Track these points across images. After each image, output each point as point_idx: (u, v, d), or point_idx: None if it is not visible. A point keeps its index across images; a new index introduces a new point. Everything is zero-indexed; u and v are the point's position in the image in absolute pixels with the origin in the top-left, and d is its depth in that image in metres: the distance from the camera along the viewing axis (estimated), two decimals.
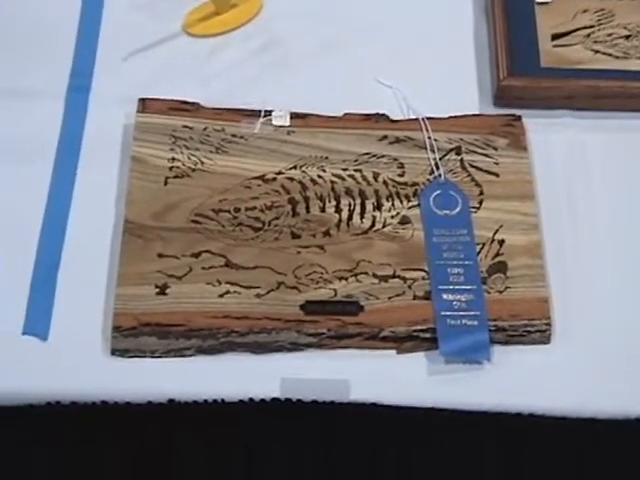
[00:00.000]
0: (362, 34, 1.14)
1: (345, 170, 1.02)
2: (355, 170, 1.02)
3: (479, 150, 1.03)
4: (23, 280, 0.96)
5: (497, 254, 0.97)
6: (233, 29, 1.15)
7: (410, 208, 1.00)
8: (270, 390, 0.91)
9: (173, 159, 1.01)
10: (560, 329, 0.95)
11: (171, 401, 0.91)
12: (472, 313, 0.93)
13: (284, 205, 0.99)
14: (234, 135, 1.03)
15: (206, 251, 0.96)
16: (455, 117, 1.06)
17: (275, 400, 0.91)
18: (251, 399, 0.91)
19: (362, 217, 0.99)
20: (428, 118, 1.05)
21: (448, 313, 0.93)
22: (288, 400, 0.91)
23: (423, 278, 0.95)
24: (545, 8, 1.14)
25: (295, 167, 1.02)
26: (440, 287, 0.94)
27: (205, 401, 0.91)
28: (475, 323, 0.92)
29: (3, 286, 0.96)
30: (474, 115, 1.07)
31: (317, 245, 0.97)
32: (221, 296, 0.94)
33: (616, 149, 1.07)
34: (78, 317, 0.94)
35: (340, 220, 0.99)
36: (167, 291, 0.94)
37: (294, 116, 1.05)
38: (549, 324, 0.93)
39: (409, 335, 0.93)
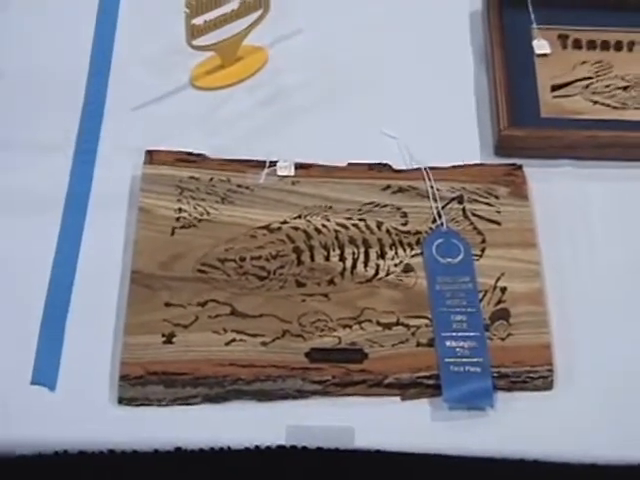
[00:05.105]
0: (365, 86, 1.16)
1: (349, 219, 1.03)
2: (359, 219, 1.03)
3: (481, 199, 1.05)
4: (31, 330, 0.97)
5: (499, 301, 0.98)
6: (239, 82, 1.17)
7: (413, 256, 1.01)
8: (276, 437, 0.91)
9: (180, 209, 1.03)
10: (563, 376, 0.95)
11: (178, 449, 0.91)
12: (475, 360, 0.94)
13: (289, 254, 1.00)
14: (239, 185, 1.05)
15: (212, 300, 0.97)
16: (457, 167, 1.07)
17: (281, 447, 0.91)
18: (257, 447, 0.91)
19: (366, 265, 1.00)
20: (430, 168, 1.06)
21: (451, 360, 0.94)
22: (294, 447, 0.91)
23: (426, 325, 0.96)
24: (545, 60, 1.16)
25: (300, 216, 1.03)
26: (443, 334, 0.95)
27: (212, 449, 0.91)
28: (478, 370, 0.93)
29: (12, 336, 0.97)
30: (475, 164, 1.08)
31: (322, 293, 0.98)
32: (227, 344, 0.95)
33: (617, 197, 1.08)
34: (86, 366, 0.95)
35: (344, 268, 1.00)
36: (174, 340, 0.95)
37: (298, 166, 1.06)
38: (551, 370, 0.94)
39: (413, 382, 0.93)
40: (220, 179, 1.05)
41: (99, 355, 0.95)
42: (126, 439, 0.92)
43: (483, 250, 1.01)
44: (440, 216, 1.03)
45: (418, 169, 1.07)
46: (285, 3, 1.19)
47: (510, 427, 0.92)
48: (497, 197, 1.05)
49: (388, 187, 1.05)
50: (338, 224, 1.03)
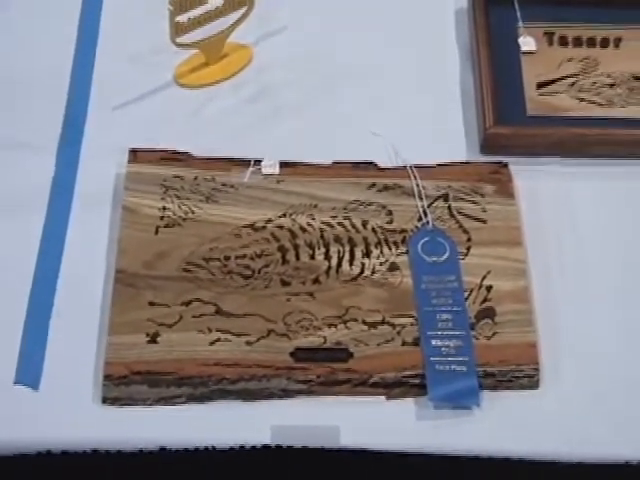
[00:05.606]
0: (351, 84, 1.16)
1: (334, 218, 1.03)
2: (344, 218, 1.03)
3: (466, 197, 1.05)
4: (15, 330, 0.97)
5: (485, 300, 0.98)
6: (223, 79, 1.17)
7: (399, 255, 1.01)
8: (261, 437, 0.91)
9: (164, 208, 1.02)
10: (549, 374, 0.95)
11: (162, 449, 0.91)
12: (461, 359, 0.93)
13: (274, 253, 1.00)
14: (224, 184, 1.05)
15: (197, 299, 0.97)
16: (443, 165, 1.07)
17: (266, 447, 0.91)
18: (242, 446, 0.91)
19: (351, 264, 1.00)
20: (416, 166, 1.06)
21: (437, 359, 0.93)
22: (279, 447, 0.91)
23: (412, 324, 0.96)
24: (530, 57, 1.15)
25: (285, 215, 1.03)
26: (429, 333, 0.95)
27: (196, 449, 0.91)
28: (464, 369, 0.93)
29: None
30: (461, 163, 1.08)
31: (307, 292, 0.98)
32: (212, 344, 0.94)
33: (603, 195, 1.08)
34: (69, 366, 0.94)
35: (329, 267, 0.99)
36: (158, 339, 0.94)
37: (283, 165, 1.06)
38: (537, 369, 0.94)
39: (398, 381, 0.93)
40: (205, 178, 1.05)
41: (83, 355, 0.95)
42: (110, 439, 0.91)
43: (469, 249, 1.01)
44: (426, 214, 1.03)
45: (404, 167, 1.06)
46: (270, 1, 1.19)
47: (496, 426, 0.92)
48: (483, 195, 1.05)
49: (373, 185, 1.05)
50: (323, 223, 1.02)
